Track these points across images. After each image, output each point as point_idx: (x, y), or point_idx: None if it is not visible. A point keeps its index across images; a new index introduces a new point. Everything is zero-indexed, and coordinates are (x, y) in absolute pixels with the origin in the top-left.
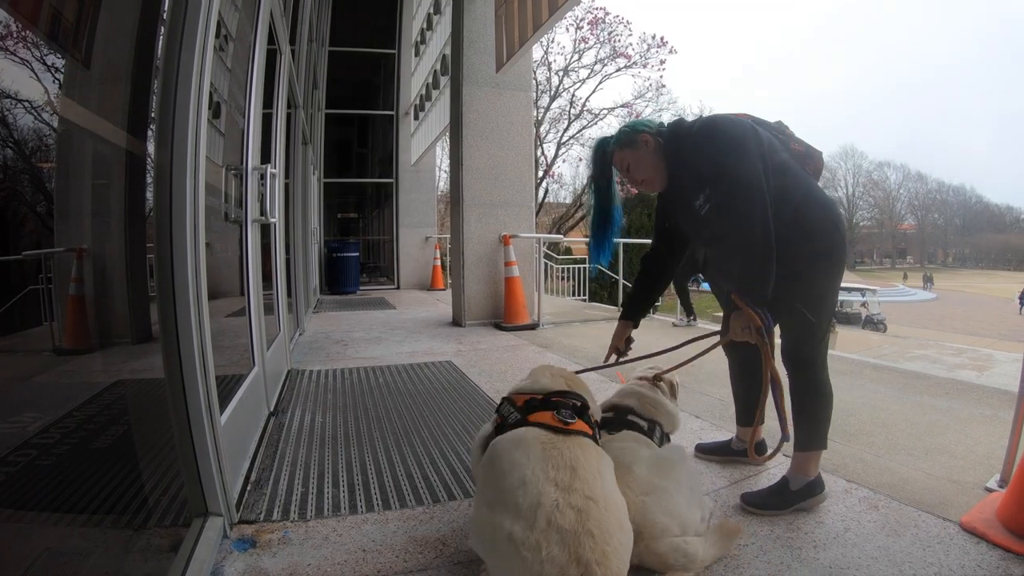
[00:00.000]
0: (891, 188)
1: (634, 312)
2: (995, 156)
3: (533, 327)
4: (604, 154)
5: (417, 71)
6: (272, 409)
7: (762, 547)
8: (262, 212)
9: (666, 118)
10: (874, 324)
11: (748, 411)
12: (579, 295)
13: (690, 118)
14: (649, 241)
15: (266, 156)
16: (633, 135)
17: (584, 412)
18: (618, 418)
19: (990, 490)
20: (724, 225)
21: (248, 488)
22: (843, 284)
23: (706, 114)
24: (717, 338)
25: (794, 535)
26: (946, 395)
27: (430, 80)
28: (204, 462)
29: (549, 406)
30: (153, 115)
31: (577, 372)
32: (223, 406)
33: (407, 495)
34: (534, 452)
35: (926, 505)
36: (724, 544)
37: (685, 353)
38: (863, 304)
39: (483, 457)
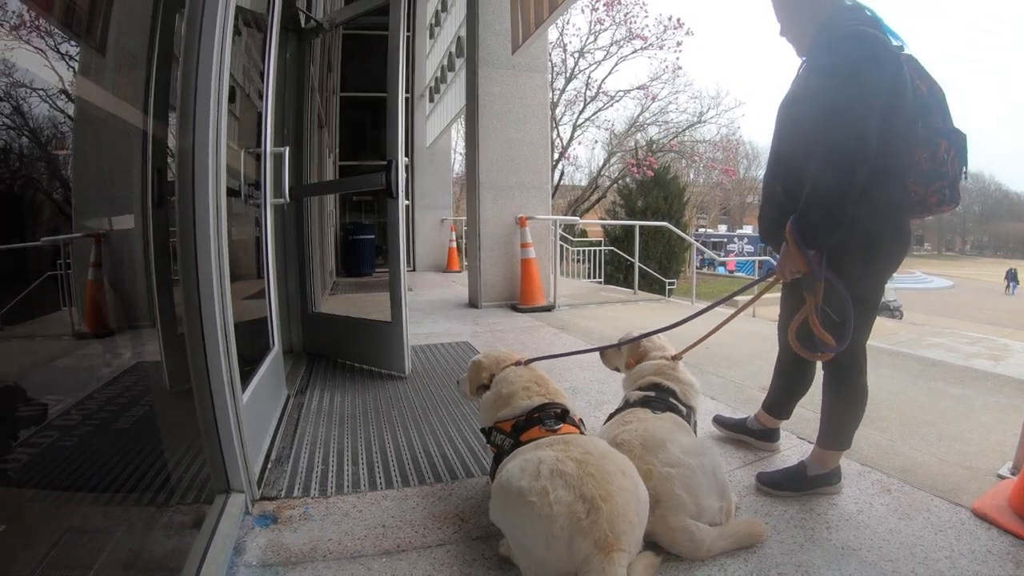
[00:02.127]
0: None
1: None
2: (1016, 145)
3: (549, 309)
4: None
5: (432, 53)
6: (295, 389)
7: (775, 527)
8: (279, 194)
9: (682, 100)
10: (890, 311)
11: (777, 405)
12: (595, 277)
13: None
14: (660, 224)
15: (285, 140)
16: None
17: (566, 416)
18: (660, 398)
19: (1002, 477)
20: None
21: (269, 466)
22: None
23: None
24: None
25: (807, 516)
26: (961, 383)
27: (445, 62)
28: (227, 440)
29: (533, 422)
30: (172, 102)
31: (533, 360)
32: (244, 385)
33: (425, 472)
34: (530, 447)
35: (938, 490)
36: (740, 540)
37: (719, 317)
38: None
39: (494, 484)
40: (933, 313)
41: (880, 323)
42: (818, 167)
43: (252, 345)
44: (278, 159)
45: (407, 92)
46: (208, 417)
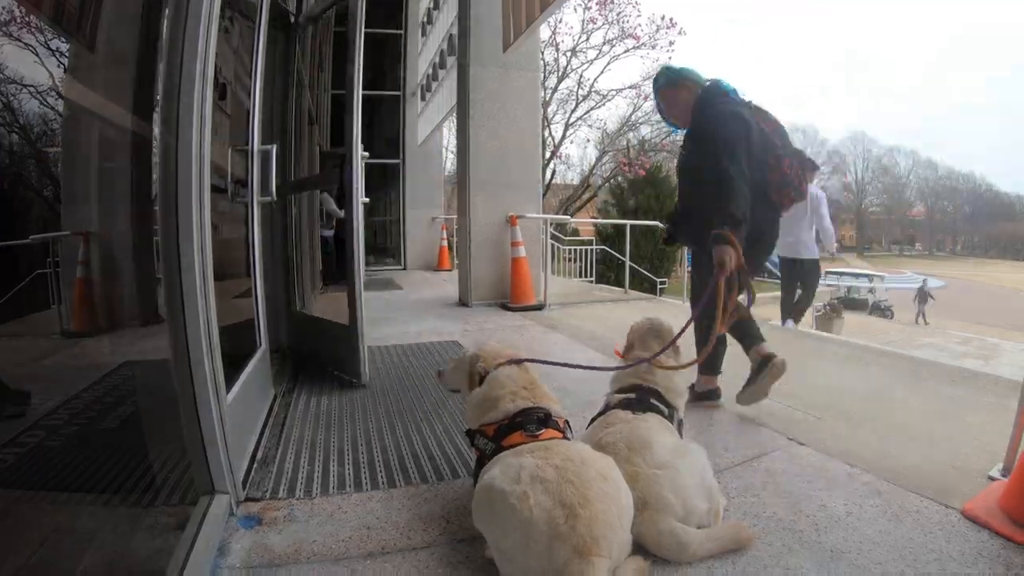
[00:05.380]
0: (901, 174)
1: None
2: (1006, 144)
3: (539, 308)
4: (656, 82)
5: (424, 51)
6: (283, 388)
7: (764, 529)
8: (266, 192)
9: None
10: (881, 311)
11: (711, 365)
12: (586, 276)
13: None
14: (651, 223)
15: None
16: (680, 79)
17: (548, 420)
18: (640, 399)
19: (993, 478)
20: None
21: (254, 466)
22: (852, 270)
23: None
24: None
25: (796, 517)
26: (951, 382)
27: (437, 60)
28: (210, 440)
29: (515, 427)
30: (158, 97)
31: (528, 360)
32: (229, 385)
33: (412, 472)
34: (511, 453)
35: (928, 492)
36: (727, 543)
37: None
38: (870, 290)
39: (477, 488)
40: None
41: (871, 323)
42: (727, 190)
43: (239, 344)
44: (265, 156)
45: (398, 90)
46: (191, 418)
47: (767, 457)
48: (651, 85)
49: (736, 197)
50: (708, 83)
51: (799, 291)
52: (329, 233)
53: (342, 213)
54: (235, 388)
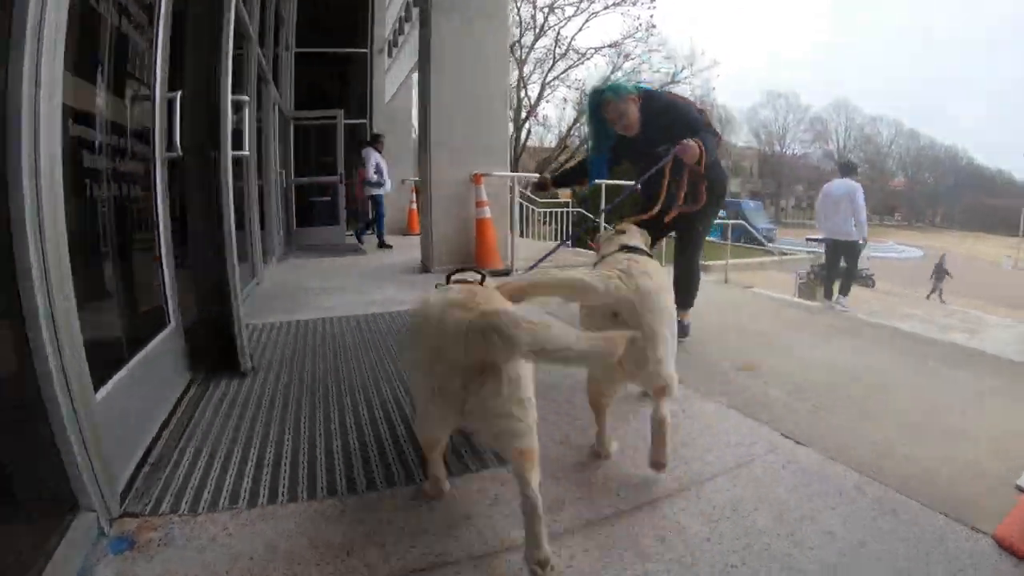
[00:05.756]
0: (883, 144)
1: (564, 183)
2: (989, 120)
3: (506, 273)
4: (599, 101)
5: (391, 5)
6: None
7: (756, 570)
8: (170, 146)
9: (655, 60)
10: (863, 279)
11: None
12: (562, 239)
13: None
14: (627, 183)
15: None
16: (623, 92)
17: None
18: (635, 249)
19: (1020, 489)
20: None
21: (144, 471)
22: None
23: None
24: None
25: (797, 551)
26: (954, 363)
27: (402, 14)
28: (66, 449)
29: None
30: None
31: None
32: (109, 376)
33: (320, 482)
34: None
35: (951, 507)
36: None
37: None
38: None
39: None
40: (904, 283)
41: (853, 291)
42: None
43: (133, 324)
44: (170, 106)
45: (365, 47)
46: (42, 424)
47: (758, 462)
48: (592, 107)
49: (709, 148)
50: (638, 88)
51: (842, 265)
52: (379, 192)
53: (374, 176)
54: (113, 380)
